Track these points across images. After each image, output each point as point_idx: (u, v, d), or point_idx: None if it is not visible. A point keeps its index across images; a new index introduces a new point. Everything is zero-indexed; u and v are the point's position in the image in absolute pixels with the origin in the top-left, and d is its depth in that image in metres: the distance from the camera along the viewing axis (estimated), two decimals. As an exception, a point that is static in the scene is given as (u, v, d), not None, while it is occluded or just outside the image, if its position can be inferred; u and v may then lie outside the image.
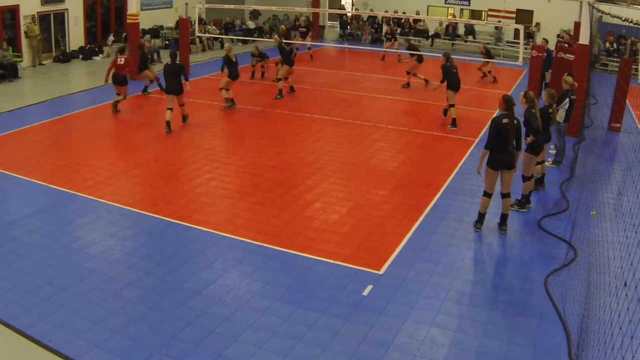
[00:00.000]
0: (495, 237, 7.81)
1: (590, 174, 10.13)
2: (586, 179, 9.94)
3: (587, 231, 7.89)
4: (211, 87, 13.99)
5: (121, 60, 12.99)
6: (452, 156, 10.97)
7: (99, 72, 17.45)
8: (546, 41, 16.20)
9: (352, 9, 28.45)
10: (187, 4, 19.75)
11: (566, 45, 14.89)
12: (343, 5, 29.66)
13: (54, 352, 5.21)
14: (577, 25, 15.83)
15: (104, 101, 14.00)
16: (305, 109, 13.99)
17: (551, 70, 14.41)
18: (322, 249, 7.27)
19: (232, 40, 22.53)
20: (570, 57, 12.99)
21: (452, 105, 12.75)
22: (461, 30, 25.18)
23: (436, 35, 25.06)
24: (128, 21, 16.68)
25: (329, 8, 27.28)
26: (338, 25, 27.44)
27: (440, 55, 13.23)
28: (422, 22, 25.20)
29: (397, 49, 21.08)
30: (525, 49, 17.59)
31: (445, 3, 26.00)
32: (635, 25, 8.95)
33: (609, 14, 12.50)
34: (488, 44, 21.92)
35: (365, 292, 6.31)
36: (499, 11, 24.55)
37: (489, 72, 18.01)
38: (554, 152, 10.68)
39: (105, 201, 8.47)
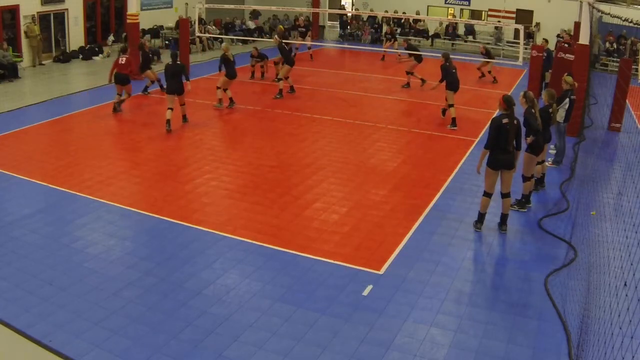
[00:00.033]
0: (495, 237, 7.81)
1: (590, 174, 10.13)
2: (586, 179, 9.94)
3: (587, 231, 7.89)
4: (211, 87, 13.98)
5: (122, 60, 13.01)
6: (452, 156, 10.97)
7: (99, 72, 17.49)
8: (546, 41, 16.21)
9: (352, 9, 28.45)
10: (187, 4, 19.74)
11: (566, 45, 14.88)
12: (343, 5, 29.67)
13: (54, 352, 5.21)
14: (577, 25, 15.83)
15: (104, 101, 14.00)
16: (305, 109, 14.00)
17: (551, 70, 14.41)
18: (322, 249, 7.27)
19: (232, 40, 22.56)
20: (570, 57, 12.98)
21: (451, 105, 12.76)
22: (461, 30, 25.18)
23: (436, 35, 25.06)
24: (128, 21, 16.66)
25: (329, 8, 27.27)
26: (338, 25, 27.43)
27: (440, 55, 13.24)
28: (422, 22, 25.21)
29: (397, 49, 21.09)
30: (525, 49, 17.59)
31: (445, 3, 26.00)
32: (635, 25, 8.95)
33: (609, 14, 12.50)
34: (488, 44, 21.93)
35: (365, 292, 6.32)
36: (499, 11, 24.55)
37: (489, 72, 18.01)
38: (554, 152, 10.68)
39: (105, 201, 8.47)
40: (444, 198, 9.01)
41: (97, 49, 20.15)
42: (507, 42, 24.02)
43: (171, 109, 11.87)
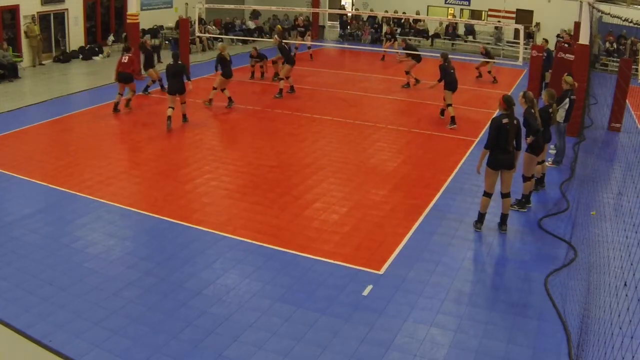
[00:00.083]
0: (495, 237, 7.81)
1: (590, 174, 10.13)
2: (586, 179, 9.94)
3: (587, 231, 7.89)
4: (211, 87, 13.99)
5: (125, 59, 13.05)
6: (452, 156, 10.97)
7: (99, 72, 17.51)
8: (546, 41, 16.21)
9: (352, 9, 28.45)
10: (187, 4, 19.75)
11: (566, 45, 14.88)
12: (343, 5, 29.66)
13: (54, 352, 5.21)
14: (577, 25, 15.83)
15: (104, 101, 14.01)
16: (305, 109, 14.00)
17: (551, 70, 14.41)
18: (322, 249, 7.27)
19: (232, 40, 22.57)
20: (570, 57, 12.99)
21: (449, 105, 12.76)
22: (461, 30, 25.18)
23: (436, 35, 25.06)
24: (128, 21, 16.67)
25: (329, 8, 27.27)
26: (338, 25, 27.43)
27: (439, 55, 13.24)
28: (422, 22, 25.20)
29: (396, 49, 21.09)
30: (525, 49, 17.58)
31: (445, 3, 25.99)
32: (635, 25, 8.95)
33: (609, 14, 12.50)
34: (488, 44, 21.94)
35: (365, 292, 6.32)
36: (499, 11, 24.55)
37: (489, 72, 18.01)
38: (554, 152, 10.68)
39: (105, 201, 8.47)
40: (444, 198, 9.01)
41: (97, 49, 20.15)
42: (507, 42, 24.02)
43: (172, 107, 11.90)
